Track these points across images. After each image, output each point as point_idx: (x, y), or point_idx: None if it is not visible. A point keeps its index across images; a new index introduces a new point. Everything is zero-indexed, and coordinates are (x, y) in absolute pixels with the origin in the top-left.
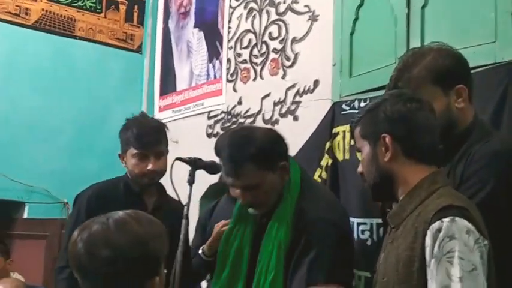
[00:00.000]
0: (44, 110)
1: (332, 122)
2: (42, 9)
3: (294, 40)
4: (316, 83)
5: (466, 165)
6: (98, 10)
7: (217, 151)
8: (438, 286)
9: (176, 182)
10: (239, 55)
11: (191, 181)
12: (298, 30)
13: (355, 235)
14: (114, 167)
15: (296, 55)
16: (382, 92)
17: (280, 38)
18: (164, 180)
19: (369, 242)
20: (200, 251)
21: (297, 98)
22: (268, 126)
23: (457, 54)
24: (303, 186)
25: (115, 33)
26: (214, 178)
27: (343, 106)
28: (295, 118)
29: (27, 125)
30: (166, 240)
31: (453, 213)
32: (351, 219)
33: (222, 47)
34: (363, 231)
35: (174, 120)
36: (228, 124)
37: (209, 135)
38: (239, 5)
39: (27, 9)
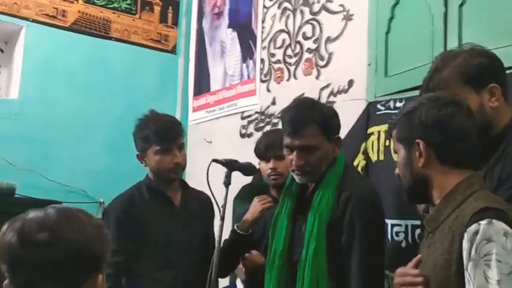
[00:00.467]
0: (81, 111)
1: (367, 122)
2: (79, 11)
3: (328, 40)
4: (350, 83)
5: (503, 166)
6: (132, 11)
7: (282, 114)
8: None
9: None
10: (273, 55)
11: (227, 183)
12: (332, 30)
13: (389, 237)
14: None
15: (330, 55)
16: (417, 92)
17: (314, 38)
18: (200, 181)
19: (403, 244)
20: (235, 227)
21: (331, 98)
22: None
23: (490, 53)
24: (347, 166)
25: (149, 34)
26: (248, 179)
27: (378, 106)
28: None
29: (64, 125)
30: (108, 242)
31: (490, 215)
32: (386, 220)
33: (255, 47)
34: (397, 233)
35: (208, 120)
36: (262, 124)
37: (242, 136)
38: (273, 5)
39: (64, 11)
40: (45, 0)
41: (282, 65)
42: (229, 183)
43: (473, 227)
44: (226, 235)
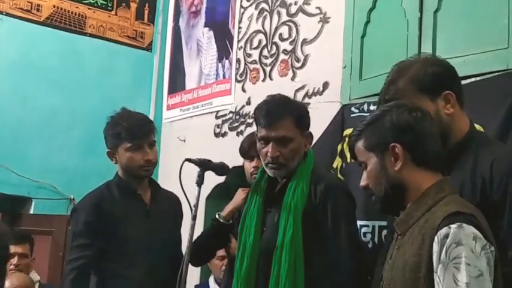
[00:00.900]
0: (54, 107)
1: (343, 124)
2: (54, 6)
3: (305, 42)
4: (325, 85)
5: (492, 177)
6: (108, 7)
7: (256, 109)
8: None
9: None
10: (249, 55)
11: (200, 182)
12: (308, 32)
13: None
14: None
15: (306, 57)
16: None
17: (291, 39)
18: (173, 181)
19: (370, 245)
20: (216, 216)
21: (306, 100)
22: None
23: (443, 62)
24: (315, 161)
25: (125, 31)
26: (221, 179)
27: (353, 109)
28: None
29: (36, 121)
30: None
31: (460, 219)
32: None
33: (231, 47)
34: (365, 234)
35: (182, 119)
36: (236, 124)
37: (217, 135)
38: (250, 5)
39: (38, 5)
40: None
41: (257, 66)
42: (202, 183)
43: (443, 230)
44: (197, 235)
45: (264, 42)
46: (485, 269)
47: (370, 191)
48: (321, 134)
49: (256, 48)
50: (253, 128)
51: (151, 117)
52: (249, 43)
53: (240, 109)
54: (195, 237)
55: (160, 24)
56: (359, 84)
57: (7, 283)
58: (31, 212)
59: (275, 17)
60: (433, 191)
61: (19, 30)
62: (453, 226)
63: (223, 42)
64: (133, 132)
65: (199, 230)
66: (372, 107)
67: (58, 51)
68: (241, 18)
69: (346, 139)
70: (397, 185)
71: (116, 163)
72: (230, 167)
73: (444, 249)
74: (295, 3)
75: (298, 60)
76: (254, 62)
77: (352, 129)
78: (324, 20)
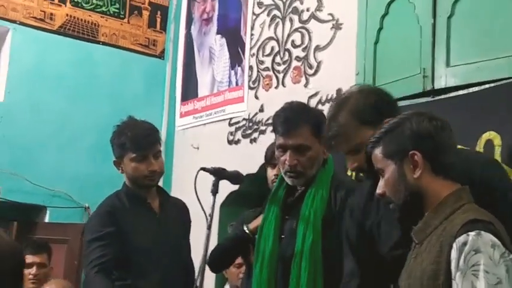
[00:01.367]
0: (67, 115)
1: None
2: (67, 15)
3: (317, 48)
4: (338, 91)
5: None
6: (121, 16)
7: (274, 116)
8: None
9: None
10: (261, 62)
11: (215, 191)
12: (321, 39)
13: None
14: None
15: (319, 63)
16: (405, 102)
17: (303, 46)
18: (186, 188)
19: None
20: (244, 228)
21: (320, 107)
22: None
23: (378, 90)
24: (335, 171)
25: (138, 39)
26: (235, 186)
27: None
28: None
29: (50, 129)
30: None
31: (479, 227)
32: None
33: (244, 54)
34: None
35: (195, 126)
36: (249, 131)
37: (230, 142)
38: (262, 12)
39: (51, 14)
40: (33, 3)
41: (270, 73)
42: (217, 192)
43: (462, 238)
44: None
45: (276, 49)
46: (504, 276)
47: (386, 199)
48: None
49: (268, 55)
50: (267, 135)
51: (164, 124)
52: (261, 50)
53: (253, 116)
54: (210, 246)
55: (172, 32)
56: None
57: None
58: (46, 220)
59: (287, 23)
60: (451, 199)
61: (32, 39)
62: (471, 233)
63: (235, 49)
64: (138, 142)
65: (213, 238)
66: None
67: (71, 60)
68: (254, 25)
69: None
70: (416, 192)
71: (122, 172)
72: (244, 174)
73: (463, 256)
74: (308, 10)
75: (311, 67)
76: (267, 69)
77: None
78: (337, 26)
